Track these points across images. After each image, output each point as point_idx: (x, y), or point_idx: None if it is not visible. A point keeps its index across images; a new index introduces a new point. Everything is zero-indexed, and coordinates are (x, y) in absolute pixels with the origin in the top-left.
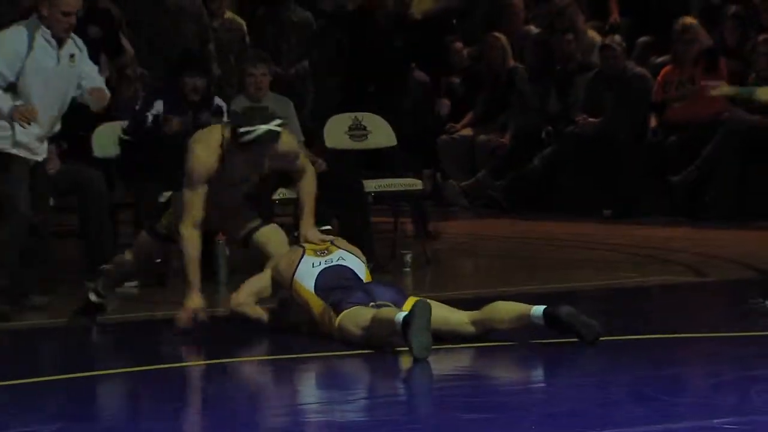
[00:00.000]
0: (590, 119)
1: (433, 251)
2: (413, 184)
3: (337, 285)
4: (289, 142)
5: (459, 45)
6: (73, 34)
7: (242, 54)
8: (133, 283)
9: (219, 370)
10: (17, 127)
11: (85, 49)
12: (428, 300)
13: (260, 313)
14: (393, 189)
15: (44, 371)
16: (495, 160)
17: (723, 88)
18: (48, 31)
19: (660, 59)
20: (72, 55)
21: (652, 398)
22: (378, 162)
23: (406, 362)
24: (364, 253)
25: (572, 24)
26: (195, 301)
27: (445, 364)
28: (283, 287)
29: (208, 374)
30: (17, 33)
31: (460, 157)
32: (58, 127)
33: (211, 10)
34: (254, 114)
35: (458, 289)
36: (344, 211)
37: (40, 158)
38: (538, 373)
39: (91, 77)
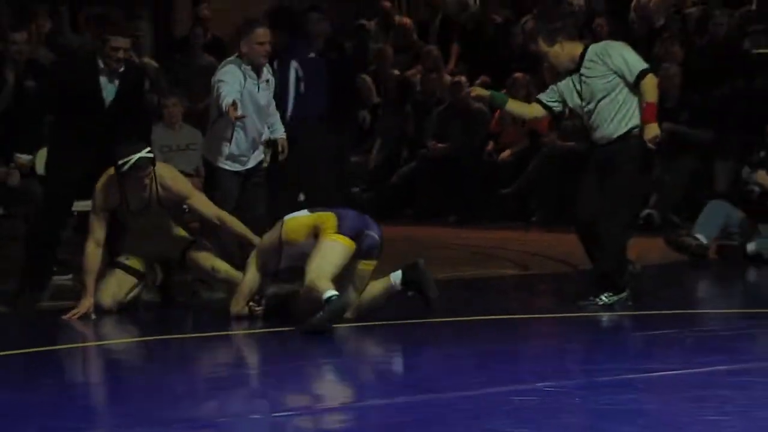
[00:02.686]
0: (439, 144)
1: None
2: None
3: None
4: (174, 177)
5: None
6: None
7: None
8: (68, 276)
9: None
10: (231, 142)
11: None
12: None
13: (257, 311)
14: None
15: None
16: (368, 178)
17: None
18: (249, 66)
19: None
20: (267, 81)
21: (489, 367)
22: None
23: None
24: None
25: (435, 66)
26: (86, 304)
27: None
28: (272, 251)
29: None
30: (234, 68)
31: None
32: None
33: None
34: (129, 147)
35: None
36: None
37: (244, 168)
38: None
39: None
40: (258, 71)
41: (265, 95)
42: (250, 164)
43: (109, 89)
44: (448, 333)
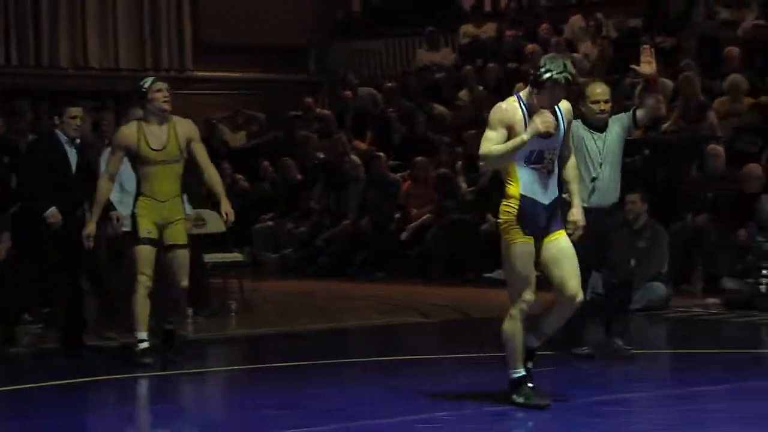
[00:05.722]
0: (357, 215)
1: (250, 301)
2: (237, 256)
3: None
4: (188, 121)
5: (266, 164)
6: None
7: None
8: (38, 326)
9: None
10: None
11: None
12: None
13: None
14: (223, 260)
15: None
16: (297, 242)
17: None
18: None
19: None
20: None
21: (396, 400)
22: (214, 242)
23: None
24: (201, 303)
25: (344, 150)
26: (90, 227)
27: None
28: None
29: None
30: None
31: (268, 238)
32: None
33: None
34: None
35: (267, 327)
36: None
37: None
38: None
39: None
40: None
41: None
42: None
43: (72, 155)
44: (363, 371)
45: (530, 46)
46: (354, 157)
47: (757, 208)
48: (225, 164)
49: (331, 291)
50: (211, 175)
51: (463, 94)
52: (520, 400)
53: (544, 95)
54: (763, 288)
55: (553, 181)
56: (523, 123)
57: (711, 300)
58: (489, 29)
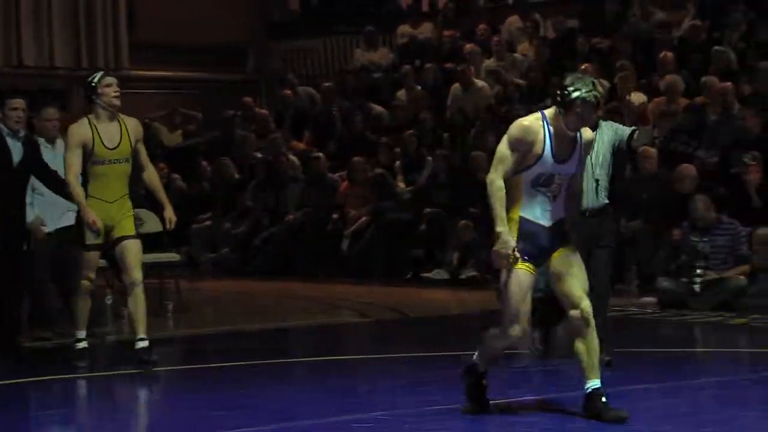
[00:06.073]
0: (290, 216)
1: (187, 302)
2: (174, 256)
3: None
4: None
5: (204, 163)
6: None
7: None
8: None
9: None
10: None
11: None
12: None
13: None
14: (160, 260)
15: None
16: (235, 242)
17: None
18: None
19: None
20: None
21: (334, 400)
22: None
23: None
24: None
25: (279, 149)
26: (89, 216)
27: None
28: None
29: None
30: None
31: (206, 238)
32: None
33: None
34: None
35: (205, 327)
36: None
37: None
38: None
39: None
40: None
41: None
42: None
43: (16, 148)
44: (302, 371)
45: (468, 46)
46: (292, 157)
47: (691, 208)
48: (161, 164)
49: (269, 291)
50: (152, 176)
51: (401, 93)
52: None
53: (571, 116)
54: (696, 287)
55: (558, 206)
56: (542, 145)
57: (646, 299)
58: (426, 29)
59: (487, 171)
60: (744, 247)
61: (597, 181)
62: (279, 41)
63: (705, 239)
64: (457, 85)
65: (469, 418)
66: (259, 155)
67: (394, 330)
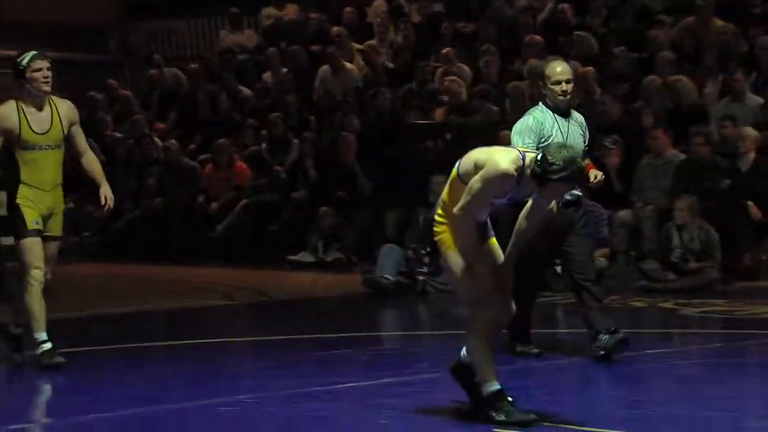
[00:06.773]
0: (156, 198)
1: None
2: None
3: None
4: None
5: None
6: None
7: None
8: None
9: None
10: None
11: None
12: None
13: None
14: None
15: None
16: (98, 225)
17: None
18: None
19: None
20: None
21: (199, 384)
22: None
23: None
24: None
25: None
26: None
27: None
28: None
29: None
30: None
31: (68, 222)
32: None
33: None
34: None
35: (68, 311)
36: None
37: None
38: None
39: None
40: None
41: None
42: None
43: None
44: (165, 355)
45: (336, 29)
46: (156, 139)
47: None
48: None
49: (132, 274)
50: (91, 162)
51: (267, 76)
52: (501, 417)
53: (551, 190)
54: (558, 269)
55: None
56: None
57: None
58: (291, 11)
59: (353, 153)
60: (605, 229)
61: None
62: (142, 21)
63: None
64: (326, 67)
65: (335, 398)
66: (118, 136)
67: (260, 313)
